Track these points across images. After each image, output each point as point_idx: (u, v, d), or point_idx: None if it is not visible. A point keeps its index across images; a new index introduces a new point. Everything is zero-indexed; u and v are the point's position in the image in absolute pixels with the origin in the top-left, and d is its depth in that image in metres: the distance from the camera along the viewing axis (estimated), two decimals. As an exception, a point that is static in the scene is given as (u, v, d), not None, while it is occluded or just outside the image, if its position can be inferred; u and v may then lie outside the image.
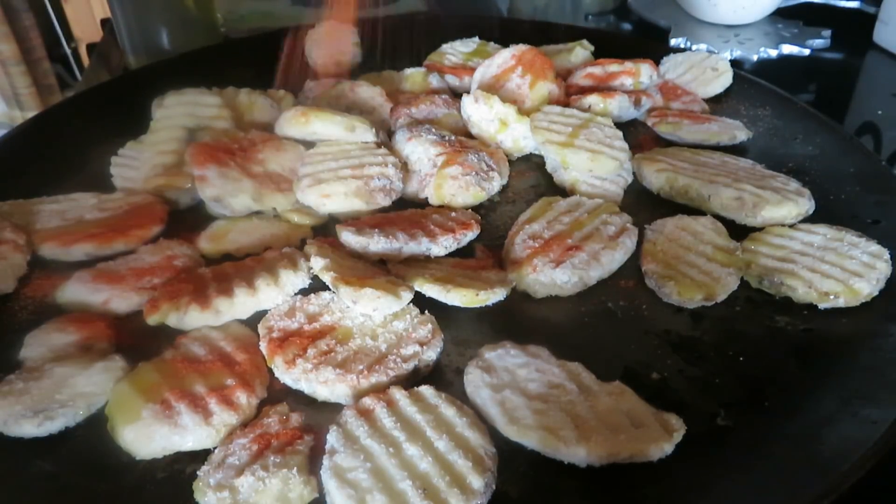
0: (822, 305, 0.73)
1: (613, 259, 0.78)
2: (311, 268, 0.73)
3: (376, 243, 0.75)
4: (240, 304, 0.70)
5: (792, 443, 0.60)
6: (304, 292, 0.73)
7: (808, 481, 0.55)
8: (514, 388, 0.62)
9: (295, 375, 0.64)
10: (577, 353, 0.67)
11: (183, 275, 0.75)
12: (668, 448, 0.58)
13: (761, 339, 0.71)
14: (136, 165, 0.92)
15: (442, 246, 0.77)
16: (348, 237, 0.76)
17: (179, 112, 0.95)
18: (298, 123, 0.90)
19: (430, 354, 0.66)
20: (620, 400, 0.61)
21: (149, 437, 0.58)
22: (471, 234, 0.81)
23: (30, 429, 0.60)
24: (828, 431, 0.59)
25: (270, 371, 0.66)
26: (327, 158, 0.88)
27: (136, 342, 0.70)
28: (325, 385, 0.62)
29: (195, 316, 0.69)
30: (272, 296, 0.71)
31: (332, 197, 0.83)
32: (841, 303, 0.73)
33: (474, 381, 0.63)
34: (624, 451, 0.57)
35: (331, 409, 0.62)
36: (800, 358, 0.69)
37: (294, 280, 0.73)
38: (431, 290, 0.70)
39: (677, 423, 0.60)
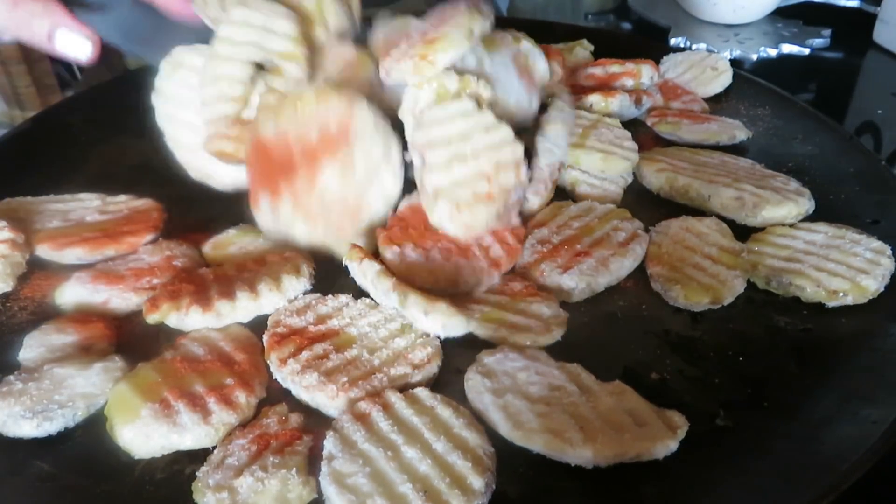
0: (830, 304, 0.73)
1: (622, 266, 0.77)
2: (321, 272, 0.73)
3: (409, 255, 0.73)
4: (241, 308, 0.70)
5: (791, 443, 0.60)
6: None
7: (808, 481, 0.55)
8: (515, 392, 0.61)
9: (283, 375, 0.64)
10: (577, 354, 0.67)
11: (184, 274, 0.75)
12: (673, 445, 0.58)
13: (761, 339, 0.71)
14: (189, 113, 0.80)
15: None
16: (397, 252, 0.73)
17: (245, 38, 0.75)
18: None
19: (418, 378, 0.64)
20: (622, 399, 0.61)
21: (147, 435, 0.58)
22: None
23: (28, 429, 0.60)
24: (827, 431, 0.59)
25: (269, 370, 0.66)
26: (451, 155, 0.74)
27: (136, 343, 0.70)
28: (307, 391, 0.62)
29: (196, 317, 0.69)
30: (274, 301, 0.71)
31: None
32: (849, 300, 0.73)
33: (475, 387, 0.63)
34: (630, 451, 0.57)
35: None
36: (799, 358, 0.69)
37: (296, 286, 0.72)
38: (485, 332, 0.68)
39: (680, 420, 0.60)
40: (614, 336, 0.72)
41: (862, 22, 1.49)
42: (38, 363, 0.65)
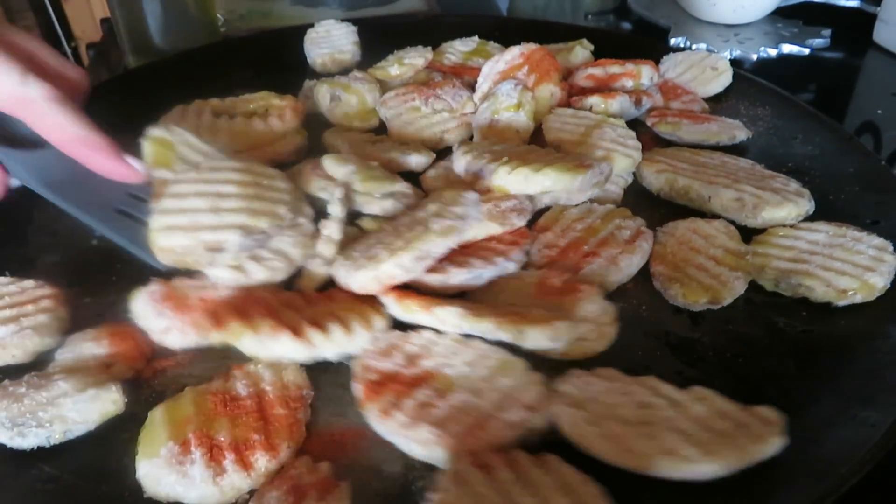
0: (839, 303, 0.73)
1: (632, 263, 0.77)
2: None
3: (456, 276, 0.71)
4: (334, 342, 0.64)
5: (790, 445, 0.59)
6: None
7: (807, 483, 0.56)
8: (609, 417, 0.58)
9: (391, 428, 0.58)
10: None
11: (242, 293, 0.68)
12: (780, 441, 0.57)
13: (760, 341, 0.71)
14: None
15: (515, 261, 0.76)
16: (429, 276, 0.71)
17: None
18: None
19: (539, 422, 0.59)
20: (709, 404, 0.60)
21: (157, 479, 0.56)
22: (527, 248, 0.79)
23: (3, 439, 0.59)
24: (826, 434, 0.60)
25: (308, 428, 0.62)
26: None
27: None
28: (422, 446, 0.58)
29: (286, 344, 0.62)
30: (363, 339, 0.65)
31: None
32: (858, 299, 0.73)
33: (571, 421, 0.59)
34: (749, 456, 0.56)
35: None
36: (799, 360, 0.69)
37: (381, 326, 0.67)
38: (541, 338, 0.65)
39: (771, 413, 0.59)
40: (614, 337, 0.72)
41: (862, 22, 1.49)
42: (57, 368, 0.64)
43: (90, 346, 0.67)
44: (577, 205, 0.85)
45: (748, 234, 0.83)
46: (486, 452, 0.56)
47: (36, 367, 0.66)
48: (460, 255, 0.75)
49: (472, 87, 1.07)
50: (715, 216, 0.85)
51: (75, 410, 0.61)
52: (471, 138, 1.00)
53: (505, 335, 0.63)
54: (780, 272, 0.76)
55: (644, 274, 0.79)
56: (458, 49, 1.20)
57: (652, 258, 0.79)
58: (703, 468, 0.55)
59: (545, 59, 1.04)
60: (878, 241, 0.78)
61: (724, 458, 0.55)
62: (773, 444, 0.57)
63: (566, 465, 0.56)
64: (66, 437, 0.60)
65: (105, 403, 0.62)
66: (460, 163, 0.83)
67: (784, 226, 0.83)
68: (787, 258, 0.77)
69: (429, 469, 0.59)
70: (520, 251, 0.77)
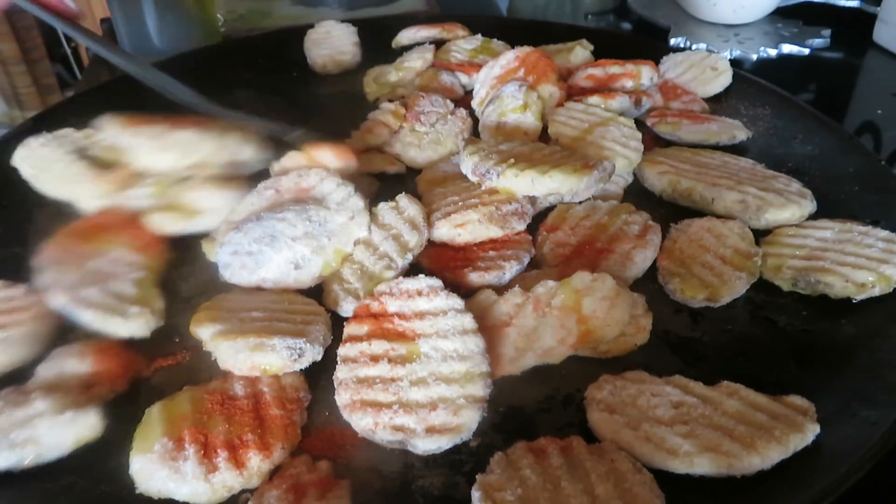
0: (858, 297, 0.73)
1: (646, 257, 0.78)
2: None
3: (510, 269, 0.75)
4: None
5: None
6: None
7: (807, 482, 0.55)
8: (647, 420, 0.59)
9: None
10: (576, 355, 0.67)
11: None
12: (816, 428, 0.58)
13: (761, 340, 0.71)
14: None
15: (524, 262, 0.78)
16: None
17: None
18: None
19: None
20: (741, 398, 0.61)
21: (150, 474, 0.56)
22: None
23: None
24: (827, 432, 0.59)
25: (306, 427, 0.62)
26: (448, 194, 0.84)
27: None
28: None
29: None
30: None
31: (467, 225, 0.78)
32: (877, 291, 0.73)
33: (609, 426, 0.60)
34: (790, 446, 0.57)
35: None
36: (799, 359, 0.69)
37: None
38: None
39: (803, 402, 0.60)
40: (614, 337, 0.72)
41: (862, 22, 1.49)
42: (37, 385, 0.62)
43: (73, 363, 0.64)
44: (580, 202, 0.85)
45: (753, 235, 0.82)
46: (544, 438, 0.58)
47: (17, 378, 0.64)
48: (465, 259, 0.76)
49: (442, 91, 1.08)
50: (718, 218, 0.85)
51: (50, 434, 0.58)
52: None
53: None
54: (797, 271, 0.75)
55: (643, 274, 0.79)
56: (462, 47, 1.20)
57: (660, 253, 0.80)
58: (748, 463, 0.56)
59: (541, 60, 1.04)
60: (884, 233, 0.78)
61: (766, 451, 0.56)
62: (810, 432, 0.58)
63: (621, 453, 0.57)
64: (37, 461, 0.58)
65: (82, 429, 0.60)
66: (467, 164, 0.83)
67: (789, 225, 0.83)
68: (800, 256, 0.77)
69: (428, 467, 0.59)
70: (526, 253, 0.78)
